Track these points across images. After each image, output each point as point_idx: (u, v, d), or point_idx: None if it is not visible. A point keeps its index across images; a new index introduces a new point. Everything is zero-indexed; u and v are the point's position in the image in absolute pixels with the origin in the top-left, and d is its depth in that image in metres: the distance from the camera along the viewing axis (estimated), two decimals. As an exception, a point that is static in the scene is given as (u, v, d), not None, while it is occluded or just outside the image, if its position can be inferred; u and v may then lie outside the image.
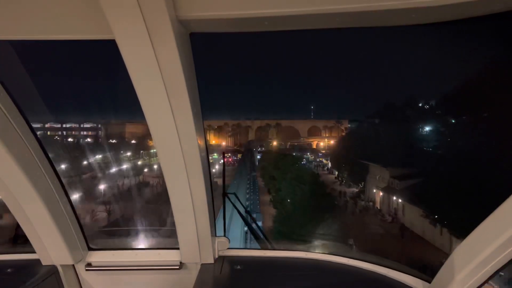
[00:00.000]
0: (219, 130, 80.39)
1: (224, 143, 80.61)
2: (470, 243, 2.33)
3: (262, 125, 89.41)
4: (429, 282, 2.88)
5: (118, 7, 1.99)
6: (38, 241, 3.36)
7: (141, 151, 53.06)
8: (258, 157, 73.08)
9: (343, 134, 71.58)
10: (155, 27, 2.09)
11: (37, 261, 3.53)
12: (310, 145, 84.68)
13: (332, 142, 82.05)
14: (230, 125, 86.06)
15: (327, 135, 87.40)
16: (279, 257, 3.68)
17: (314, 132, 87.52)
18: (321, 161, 66.82)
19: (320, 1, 1.98)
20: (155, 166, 47.40)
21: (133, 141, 57.48)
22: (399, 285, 3.15)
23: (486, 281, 2.26)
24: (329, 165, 60.21)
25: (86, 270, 3.62)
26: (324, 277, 3.38)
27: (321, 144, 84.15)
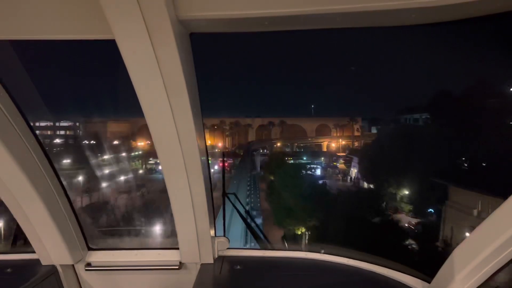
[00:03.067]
0: (214, 129, 71.72)
1: (220, 144, 71.99)
2: (470, 243, 2.33)
3: (264, 123, 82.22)
4: (429, 282, 2.88)
5: (118, 7, 1.99)
6: (37, 241, 3.36)
7: (119, 154, 45.34)
8: (260, 160, 61.79)
9: (379, 134, 54.42)
10: (155, 27, 2.09)
11: (37, 261, 3.53)
12: (320, 146, 76.91)
13: (354, 143, 72.34)
14: (228, 124, 77.75)
15: (338, 134, 79.11)
16: (279, 257, 3.68)
17: (323, 132, 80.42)
18: (336, 166, 56.71)
19: (320, 1, 1.98)
20: (123, 178, 38.38)
21: (114, 142, 52.12)
22: (399, 285, 3.15)
23: (486, 281, 2.26)
24: (352, 173, 48.45)
25: (86, 270, 3.62)
26: (324, 277, 3.38)
27: (333, 145, 76.36)
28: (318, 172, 51.29)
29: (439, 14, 2.05)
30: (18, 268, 3.56)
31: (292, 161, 55.57)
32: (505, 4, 1.90)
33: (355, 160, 49.15)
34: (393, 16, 2.07)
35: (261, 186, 44.98)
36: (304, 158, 59.65)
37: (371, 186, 36.89)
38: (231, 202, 3.91)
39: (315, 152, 69.79)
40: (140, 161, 53.74)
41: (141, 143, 58.95)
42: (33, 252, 3.49)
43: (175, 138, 2.64)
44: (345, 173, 52.96)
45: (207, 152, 3.09)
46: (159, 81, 2.33)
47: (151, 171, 53.15)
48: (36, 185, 2.98)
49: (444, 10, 1.96)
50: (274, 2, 2.01)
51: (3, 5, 2.18)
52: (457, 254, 2.39)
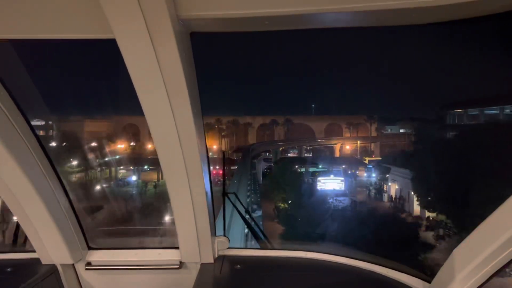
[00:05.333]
0: (208, 129, 60.63)
1: (215, 147, 62.56)
2: (471, 243, 2.33)
3: (266, 122, 72.48)
4: (429, 282, 2.88)
5: (118, 6, 1.99)
6: (37, 240, 3.36)
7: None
8: (264, 170, 50.27)
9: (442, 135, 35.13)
10: (155, 27, 2.09)
11: (37, 260, 3.53)
12: (332, 149, 66.19)
13: (378, 145, 60.47)
14: (224, 123, 68.18)
15: (352, 135, 68.61)
16: (279, 257, 3.68)
17: (333, 131, 70.75)
18: (354, 174, 44.08)
19: (321, 0, 1.98)
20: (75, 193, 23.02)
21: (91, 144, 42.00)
22: (399, 284, 3.15)
23: (486, 281, 2.26)
24: (392, 190, 35.82)
25: (86, 269, 3.62)
26: (324, 277, 3.38)
27: (347, 147, 66.62)
28: (343, 187, 38.17)
29: (440, 14, 2.05)
30: (18, 267, 3.56)
31: (303, 169, 44.29)
32: (506, 4, 1.90)
33: (397, 171, 34.51)
34: (394, 16, 2.07)
35: (267, 214, 31.21)
36: (320, 166, 46.71)
37: (442, 217, 24.61)
38: (231, 201, 3.91)
39: (331, 158, 56.25)
40: (108, 169, 42.13)
41: (120, 146, 49.07)
42: (33, 251, 3.49)
43: (175, 138, 2.65)
44: (378, 188, 38.99)
45: (207, 151, 3.09)
46: (160, 80, 2.33)
47: (122, 183, 41.66)
48: (37, 184, 2.98)
49: (445, 10, 1.96)
50: (274, 1, 2.01)
51: (3, 4, 2.18)
52: (458, 254, 2.39)
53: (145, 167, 45.80)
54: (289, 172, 37.72)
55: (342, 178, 40.88)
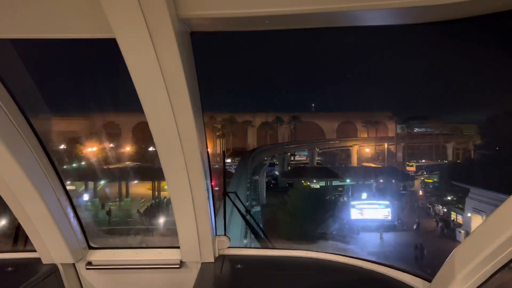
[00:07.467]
0: None
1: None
2: (471, 242, 2.34)
3: (268, 120, 60.97)
4: (429, 281, 2.88)
5: (119, 5, 1.99)
6: (38, 240, 3.36)
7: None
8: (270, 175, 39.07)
9: None
10: (155, 26, 2.09)
11: (38, 260, 3.53)
12: (348, 153, 54.88)
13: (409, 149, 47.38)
14: (219, 121, 58.01)
15: (371, 135, 57.56)
16: (279, 256, 3.69)
17: (347, 131, 60.13)
18: (397, 191, 30.45)
19: (321, 0, 1.98)
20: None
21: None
22: (399, 284, 3.15)
23: (487, 280, 2.26)
24: (472, 226, 22.77)
25: (87, 269, 3.62)
26: (324, 276, 3.38)
27: (367, 150, 55.39)
28: (390, 215, 27.67)
29: (440, 13, 2.05)
30: (19, 266, 3.56)
31: (323, 184, 34.14)
32: (506, 3, 1.90)
33: (486, 196, 22.84)
34: (394, 15, 2.08)
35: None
36: (348, 181, 35.59)
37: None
38: (231, 201, 3.91)
39: (355, 166, 42.53)
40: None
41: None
42: (34, 251, 3.49)
43: (176, 137, 2.65)
44: (446, 220, 27.17)
45: (207, 151, 3.10)
46: (160, 80, 2.33)
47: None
48: (37, 183, 2.99)
49: (445, 9, 1.96)
50: (275, 1, 2.01)
51: (3, 4, 2.18)
52: (458, 253, 2.39)
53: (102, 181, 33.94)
54: (306, 194, 27.73)
55: (388, 203, 29.67)
